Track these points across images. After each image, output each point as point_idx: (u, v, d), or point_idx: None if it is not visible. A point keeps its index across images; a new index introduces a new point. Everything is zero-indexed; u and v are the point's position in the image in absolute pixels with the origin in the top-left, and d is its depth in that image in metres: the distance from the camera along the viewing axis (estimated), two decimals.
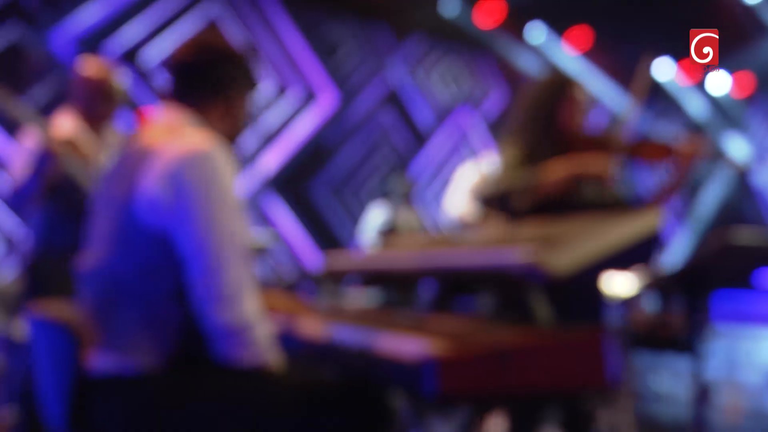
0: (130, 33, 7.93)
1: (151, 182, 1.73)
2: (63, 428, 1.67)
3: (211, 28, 7.20)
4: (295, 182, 9.21)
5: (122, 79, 3.56)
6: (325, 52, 9.58)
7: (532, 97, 2.91)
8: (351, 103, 9.77)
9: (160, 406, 1.67)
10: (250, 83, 2.07)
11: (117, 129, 3.51)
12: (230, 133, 2.01)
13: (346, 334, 1.86)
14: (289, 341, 2.15)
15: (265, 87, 8.96)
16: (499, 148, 2.95)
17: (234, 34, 8.74)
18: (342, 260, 2.50)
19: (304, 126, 9.33)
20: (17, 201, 3.38)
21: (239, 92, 2.01)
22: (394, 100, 10.21)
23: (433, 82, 10.64)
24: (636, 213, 1.74)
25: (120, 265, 1.75)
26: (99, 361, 1.70)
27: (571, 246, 1.63)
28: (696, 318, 2.38)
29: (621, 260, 1.70)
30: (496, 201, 2.72)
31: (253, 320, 1.74)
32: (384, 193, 7.15)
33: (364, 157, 9.87)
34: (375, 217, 6.73)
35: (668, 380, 6.85)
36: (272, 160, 9.00)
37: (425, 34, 10.33)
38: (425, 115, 10.50)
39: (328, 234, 9.20)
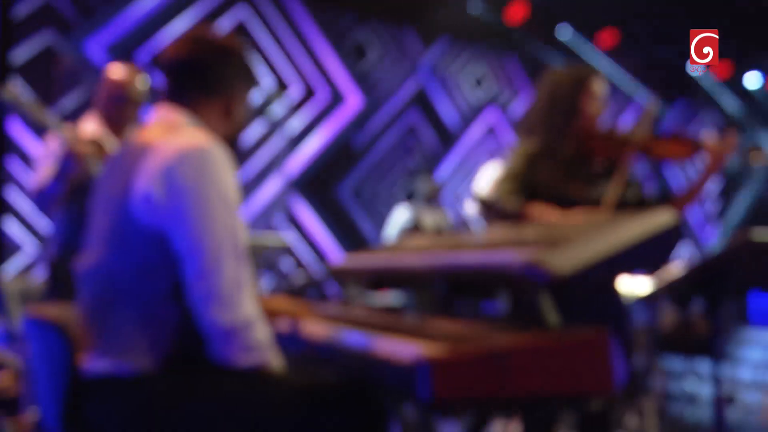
0: (162, 39, 7.97)
1: (146, 180, 1.68)
2: (58, 429, 1.64)
3: (204, 24, 6.57)
4: (322, 184, 9.20)
5: (145, 82, 3.55)
6: (352, 54, 9.56)
7: (551, 89, 2.80)
8: (378, 105, 9.73)
9: (156, 407, 1.62)
10: (248, 80, 2.01)
11: None
12: (230, 133, 1.96)
13: (347, 337, 1.80)
14: (292, 343, 2.11)
15: (293, 89, 8.98)
16: (514, 143, 2.85)
17: (262, 38, 8.77)
18: (348, 261, 2.44)
19: (331, 128, 9.32)
20: (41, 202, 3.40)
21: (237, 89, 1.95)
22: (422, 102, 10.14)
23: (460, 83, 10.56)
24: (648, 213, 1.65)
25: (116, 264, 1.70)
26: (94, 362, 1.67)
27: (574, 246, 1.55)
28: (717, 319, 2.29)
29: (631, 261, 1.62)
30: (486, 208, 2.65)
31: (250, 321, 1.69)
32: (409, 194, 7.10)
33: (391, 159, 9.82)
34: (399, 218, 6.67)
35: (697, 382, 6.71)
36: (299, 162, 9.01)
37: (453, 36, 10.25)
38: (453, 117, 10.42)
39: (355, 235, 9.16)
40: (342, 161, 9.40)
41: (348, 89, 9.48)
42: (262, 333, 1.74)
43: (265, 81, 8.70)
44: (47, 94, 6.57)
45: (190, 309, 1.68)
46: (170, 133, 1.78)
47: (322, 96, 9.25)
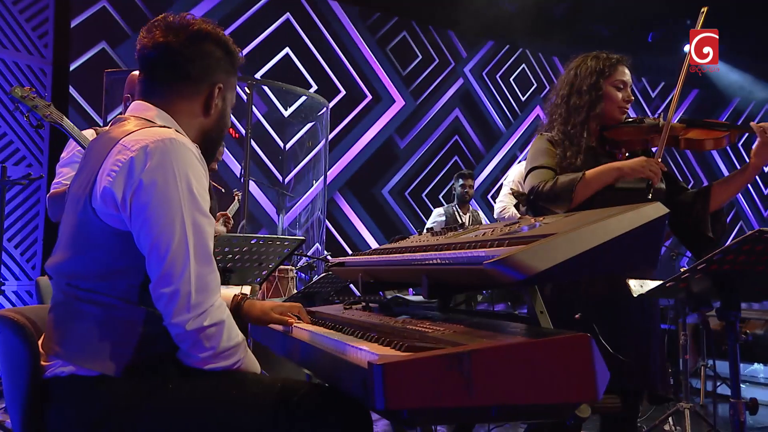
0: None
1: (107, 178, 1.54)
2: (20, 429, 1.54)
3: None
4: (366, 184, 9.14)
5: None
6: (397, 58, 9.45)
7: (573, 76, 2.59)
8: (422, 106, 9.61)
9: (118, 410, 1.50)
10: (227, 69, 1.79)
11: None
12: (210, 128, 1.79)
13: (323, 340, 1.66)
14: (282, 345, 1.98)
15: (338, 93, 8.92)
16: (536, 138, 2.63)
17: (307, 44, 8.72)
18: (350, 260, 2.30)
19: (376, 129, 9.23)
20: (54, 207, 3.32)
21: (214, 79, 1.75)
22: (467, 103, 9.98)
23: (506, 85, 10.36)
24: (631, 208, 1.45)
25: (80, 265, 1.58)
26: (57, 363, 1.55)
27: (550, 242, 1.37)
28: (731, 319, 2.06)
29: (614, 257, 1.43)
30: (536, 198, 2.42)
31: (216, 324, 1.54)
32: (448, 194, 6.96)
33: (435, 159, 9.69)
34: (436, 217, 6.54)
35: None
36: (345, 161, 8.96)
37: (497, 38, 10.05)
38: (497, 117, 10.22)
39: (396, 234, 9.05)
40: (386, 162, 9.32)
41: (392, 92, 9.38)
42: (231, 336, 1.59)
43: (311, 85, 8.65)
44: (100, 103, 6.63)
45: (156, 311, 1.55)
46: (137, 128, 1.61)
47: (367, 99, 9.17)
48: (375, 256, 2.08)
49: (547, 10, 9.54)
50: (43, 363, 1.57)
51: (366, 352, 1.39)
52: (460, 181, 6.54)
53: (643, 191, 2.36)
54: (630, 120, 2.58)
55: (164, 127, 1.65)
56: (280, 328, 1.99)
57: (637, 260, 1.48)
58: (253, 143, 7.85)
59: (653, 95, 11.86)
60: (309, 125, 8.18)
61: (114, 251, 1.56)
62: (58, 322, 1.59)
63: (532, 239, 1.42)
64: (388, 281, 2.08)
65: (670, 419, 4.36)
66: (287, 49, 8.56)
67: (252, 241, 2.77)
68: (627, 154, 2.58)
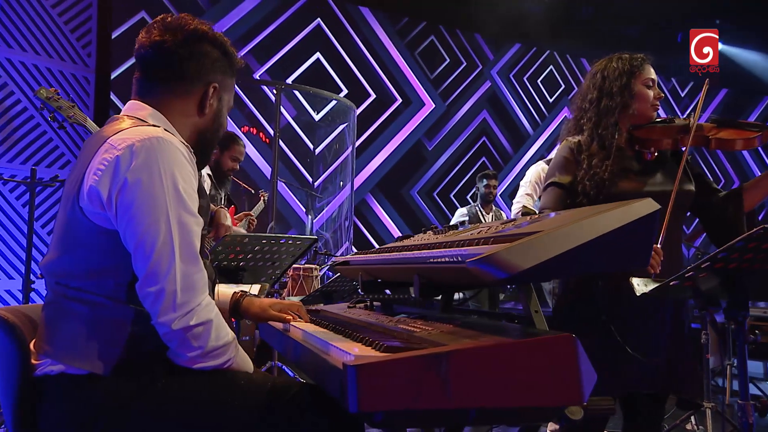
0: (240, 52, 8.00)
1: (94, 176, 1.50)
2: (11, 428, 1.50)
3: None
4: (396, 185, 9.10)
5: None
6: (426, 61, 9.39)
7: (601, 78, 2.47)
8: (450, 109, 9.53)
9: (107, 408, 1.45)
10: (222, 69, 1.73)
11: None
12: (205, 128, 1.74)
13: (314, 340, 1.60)
14: (280, 343, 1.93)
15: (369, 96, 8.88)
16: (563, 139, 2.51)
17: (339, 47, 8.70)
18: (353, 259, 2.23)
19: (405, 132, 9.18)
20: None
21: (209, 79, 1.70)
22: (494, 105, 9.86)
23: (533, 86, 10.21)
24: (620, 205, 1.35)
25: (69, 264, 1.53)
26: (47, 361, 1.51)
27: (535, 240, 1.29)
28: (739, 319, 1.95)
29: (601, 254, 1.34)
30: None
31: (204, 324, 1.48)
32: (473, 195, 6.88)
33: (462, 160, 9.60)
34: (459, 217, 6.46)
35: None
36: (376, 163, 8.93)
37: (523, 40, 9.91)
38: (524, 119, 10.08)
39: None
40: (415, 163, 9.27)
41: (422, 95, 9.32)
42: (220, 336, 1.53)
43: (341, 89, 8.63)
44: None
45: (145, 309, 1.49)
46: (127, 127, 1.56)
47: (396, 102, 9.12)
48: (375, 255, 2.02)
49: (574, 12, 9.37)
50: (34, 361, 1.54)
51: (343, 352, 1.32)
52: (484, 182, 6.45)
53: (662, 195, 2.24)
54: (659, 120, 2.47)
55: (154, 126, 1.60)
56: (280, 326, 1.94)
57: (627, 258, 1.39)
58: (283, 146, 7.85)
59: (682, 95, 11.59)
60: (338, 129, 8.15)
61: (102, 250, 1.52)
62: (49, 321, 1.56)
63: (517, 237, 1.34)
64: (386, 280, 2.01)
65: (692, 419, 4.20)
66: (318, 54, 8.54)
67: (263, 241, 2.73)
68: (656, 154, 2.46)
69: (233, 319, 2.25)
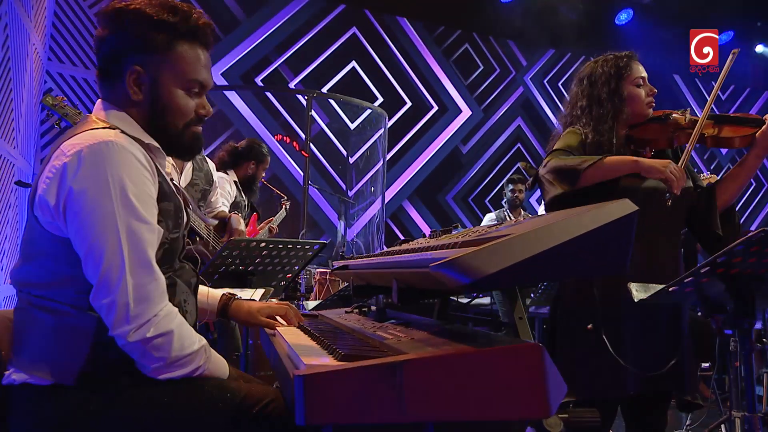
0: (276, 61, 8.02)
1: (42, 185, 1.41)
2: None
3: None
4: (432, 191, 9.01)
5: None
6: (461, 68, 9.28)
7: (590, 81, 2.35)
8: (485, 115, 9.39)
9: (73, 418, 1.37)
10: (147, 44, 1.50)
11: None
12: (167, 124, 1.55)
13: (288, 348, 1.51)
14: (267, 348, 1.86)
15: (405, 104, 8.82)
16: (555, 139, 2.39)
17: (374, 56, 8.66)
18: (351, 263, 2.15)
19: (441, 139, 9.09)
20: None
21: (155, 68, 1.51)
22: (528, 111, 9.69)
23: (567, 92, 10.00)
24: (596, 206, 1.24)
25: (30, 273, 1.46)
26: (13, 370, 1.43)
27: (500, 245, 1.19)
28: (745, 326, 1.81)
29: (577, 258, 1.23)
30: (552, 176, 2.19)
31: (162, 334, 1.38)
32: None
33: (497, 167, 9.45)
34: (487, 222, 6.33)
35: None
36: (413, 170, 8.86)
37: (557, 46, 9.71)
38: (558, 126, 9.87)
39: None
40: (450, 169, 9.16)
41: (458, 102, 9.22)
42: (184, 345, 1.43)
43: (377, 98, 8.58)
44: None
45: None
46: (83, 130, 1.45)
47: (432, 109, 9.04)
48: (366, 259, 1.94)
49: (609, 17, 9.15)
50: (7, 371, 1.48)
51: (299, 361, 1.24)
52: (510, 186, 6.32)
53: (662, 192, 2.11)
54: (654, 117, 2.34)
55: (109, 127, 1.48)
56: (270, 330, 1.87)
57: (603, 262, 1.27)
58: (317, 153, 7.83)
59: (723, 98, 11.20)
60: (373, 138, 8.09)
61: (59, 258, 1.43)
62: (16, 328, 1.49)
63: (486, 241, 1.24)
64: (374, 285, 1.92)
65: (722, 426, 3.99)
66: (353, 63, 8.51)
67: (270, 246, 2.67)
68: (653, 153, 2.33)
69: (243, 324, 2.17)
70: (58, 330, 1.43)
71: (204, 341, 1.51)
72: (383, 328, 1.62)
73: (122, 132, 1.48)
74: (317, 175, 7.82)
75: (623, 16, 9.33)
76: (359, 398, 1.10)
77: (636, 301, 1.81)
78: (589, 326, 2.10)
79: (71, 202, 1.38)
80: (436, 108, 9.06)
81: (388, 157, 8.52)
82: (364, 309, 2.14)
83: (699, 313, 3.34)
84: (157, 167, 1.52)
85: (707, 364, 4.52)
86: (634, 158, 2.13)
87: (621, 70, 2.32)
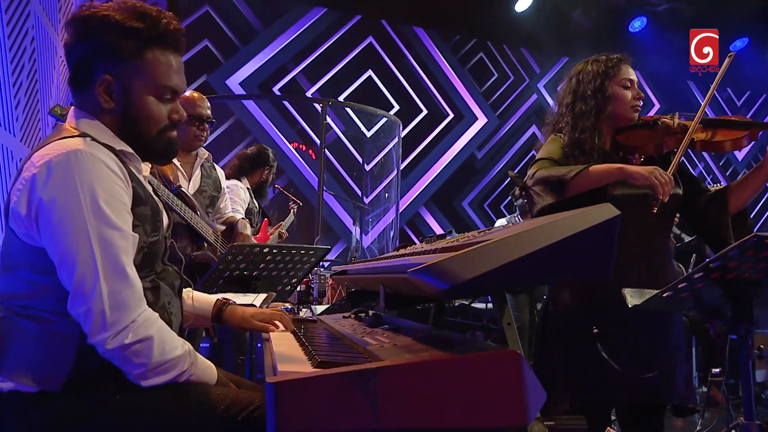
0: (294, 71, 8.04)
1: (13, 197, 1.39)
2: None
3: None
4: (448, 197, 8.96)
5: (205, 106, 3.22)
6: (476, 77, 9.23)
7: (576, 82, 2.28)
8: (500, 123, 9.33)
9: (59, 428, 1.35)
10: (117, 52, 1.45)
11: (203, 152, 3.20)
12: (125, 123, 1.50)
13: (274, 355, 1.48)
14: (260, 354, 1.83)
15: (421, 112, 8.79)
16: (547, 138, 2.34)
17: (391, 64, 8.64)
18: (350, 268, 2.12)
19: (458, 146, 9.05)
20: None
21: (99, 69, 1.45)
22: (542, 118, 9.59)
23: None
24: (578, 211, 1.19)
25: (7, 284, 1.43)
26: (1, 379, 1.40)
27: (479, 250, 1.14)
28: (742, 333, 1.74)
29: (558, 263, 1.18)
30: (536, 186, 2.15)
31: (141, 341, 1.35)
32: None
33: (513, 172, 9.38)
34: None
35: None
36: (429, 176, 8.82)
37: (569, 55, 9.61)
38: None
39: None
40: (466, 175, 9.10)
41: (474, 109, 9.17)
42: (165, 350, 1.39)
43: (392, 106, 8.56)
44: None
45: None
46: (54, 139, 1.43)
47: (448, 117, 9.00)
48: (362, 265, 1.90)
49: (622, 25, 9.04)
50: None
51: (276, 368, 1.20)
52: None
53: (646, 198, 2.04)
54: (642, 122, 2.27)
55: (80, 135, 1.44)
56: (265, 334, 1.83)
57: (586, 266, 1.22)
58: (332, 159, 7.82)
59: (739, 104, 11.01)
60: (389, 146, 8.06)
61: (36, 268, 1.40)
62: (1, 337, 1.46)
63: (467, 246, 1.19)
64: (367, 290, 1.89)
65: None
66: (370, 72, 8.49)
67: (274, 251, 2.64)
68: (642, 159, 2.27)
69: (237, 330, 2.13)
70: (43, 337, 1.40)
71: (188, 346, 1.47)
72: (372, 333, 1.58)
73: (93, 140, 1.44)
74: (333, 182, 7.81)
75: (637, 24, 9.19)
76: (332, 405, 1.06)
77: (630, 306, 1.75)
78: (595, 330, 2.05)
79: (42, 212, 1.35)
80: (451, 115, 9.01)
81: (405, 164, 8.49)
82: (361, 314, 2.10)
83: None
84: (130, 172, 1.48)
85: (718, 369, 4.42)
86: (619, 165, 2.06)
87: (609, 70, 2.26)
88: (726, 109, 10.86)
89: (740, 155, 10.87)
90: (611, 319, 2.07)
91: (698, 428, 4.09)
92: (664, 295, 1.70)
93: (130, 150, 1.52)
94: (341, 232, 7.96)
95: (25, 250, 1.41)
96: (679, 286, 1.66)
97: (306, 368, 1.19)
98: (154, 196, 1.58)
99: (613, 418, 2.54)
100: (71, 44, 1.49)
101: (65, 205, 1.34)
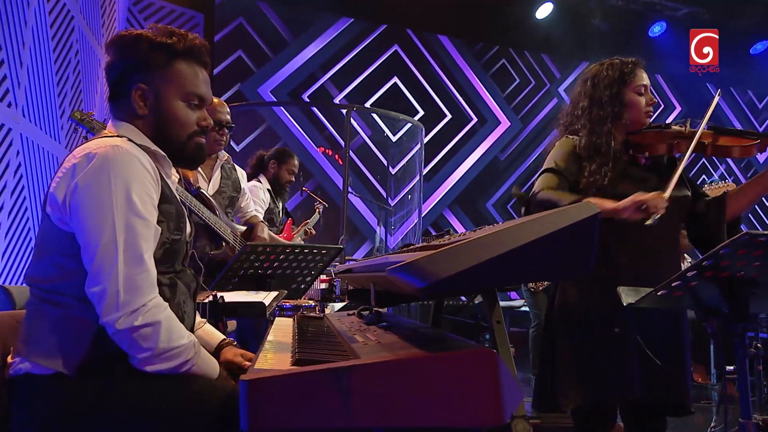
0: (322, 80, 8.04)
1: (53, 184, 1.46)
2: None
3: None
4: (472, 199, 8.86)
5: (225, 112, 3.21)
6: (498, 82, 9.13)
7: (592, 85, 2.23)
8: (522, 126, 9.21)
9: (68, 411, 1.37)
10: (149, 65, 1.56)
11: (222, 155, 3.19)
12: (158, 128, 1.58)
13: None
14: None
15: (446, 116, 8.72)
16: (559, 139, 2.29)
17: (415, 71, 8.59)
18: (355, 266, 2.07)
19: (481, 149, 8.95)
20: None
21: (133, 80, 1.56)
22: None
23: None
24: (557, 210, 1.12)
25: (40, 267, 1.47)
26: (16, 361, 1.44)
27: (457, 248, 1.09)
28: (738, 331, 1.66)
29: (536, 261, 1.12)
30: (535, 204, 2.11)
31: (150, 325, 1.36)
32: None
33: (534, 174, 9.23)
34: None
35: None
36: (453, 179, 8.75)
37: (592, 59, 9.45)
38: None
39: None
40: (490, 178, 9.00)
41: (498, 114, 9.07)
42: (172, 338, 1.40)
43: (417, 111, 8.51)
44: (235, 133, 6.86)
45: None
46: (94, 139, 1.51)
47: (472, 121, 8.92)
48: (362, 263, 1.86)
49: (642, 29, 8.85)
50: (9, 360, 1.48)
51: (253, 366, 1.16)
52: None
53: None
54: (655, 126, 2.21)
55: (119, 136, 1.52)
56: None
57: (565, 265, 1.16)
58: (360, 164, 7.80)
59: (760, 107, 10.70)
60: (413, 151, 8.00)
61: (66, 253, 1.45)
62: (25, 322, 1.50)
63: (448, 245, 1.14)
64: (366, 288, 1.84)
65: None
66: (395, 78, 8.45)
67: (287, 250, 2.61)
68: (649, 158, 2.20)
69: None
70: (62, 321, 1.43)
71: (193, 337, 1.48)
72: (365, 331, 1.54)
73: (129, 140, 1.51)
74: (360, 185, 7.79)
75: (657, 29, 8.99)
76: (305, 403, 1.02)
77: (625, 305, 1.68)
78: (616, 329, 1.99)
79: (75, 195, 1.41)
80: (475, 119, 8.92)
81: (430, 166, 8.44)
82: (364, 312, 2.06)
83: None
84: (160, 174, 1.54)
85: (732, 367, 4.27)
86: (612, 207, 1.97)
87: (625, 76, 2.20)
88: (747, 112, 10.57)
89: (762, 157, 10.55)
90: (626, 318, 2.00)
91: (712, 425, 3.95)
92: (659, 293, 1.63)
93: (161, 152, 1.59)
94: (367, 233, 7.93)
95: (56, 234, 1.45)
96: (673, 284, 1.58)
97: (284, 365, 1.15)
98: (179, 201, 1.63)
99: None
100: (110, 63, 1.60)
101: (97, 191, 1.40)
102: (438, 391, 1.03)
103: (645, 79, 2.22)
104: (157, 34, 1.59)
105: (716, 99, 2.30)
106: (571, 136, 2.25)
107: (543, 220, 1.09)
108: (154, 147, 1.58)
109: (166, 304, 1.44)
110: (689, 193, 2.16)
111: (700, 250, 2.22)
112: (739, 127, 8.84)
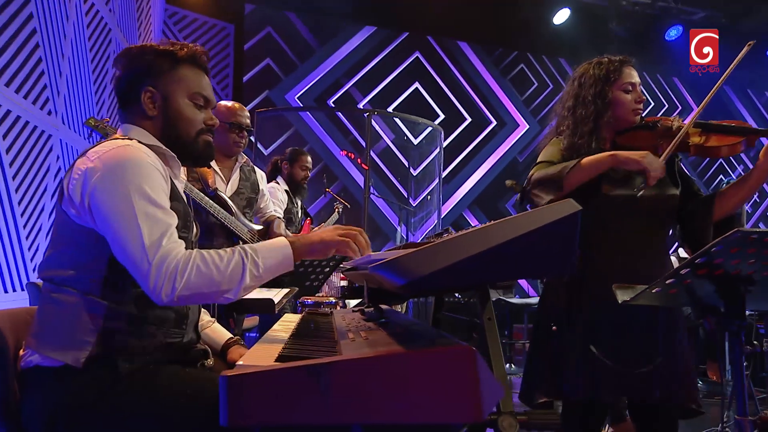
0: (347, 85, 8.03)
1: (70, 185, 1.46)
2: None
3: None
4: (491, 200, 8.77)
5: (245, 116, 3.20)
6: (517, 85, 9.02)
7: (577, 84, 2.14)
8: (542, 128, 9.08)
9: (74, 403, 1.36)
10: (158, 71, 1.60)
11: (243, 158, 3.18)
12: (166, 128, 1.60)
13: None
14: None
15: (465, 120, 8.65)
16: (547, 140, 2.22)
17: (436, 76, 8.53)
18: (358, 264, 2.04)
19: (500, 151, 8.85)
20: None
21: (143, 85, 1.58)
22: None
23: None
24: (540, 208, 1.07)
25: (55, 261, 1.47)
26: (27, 353, 1.44)
27: (438, 246, 1.05)
28: (734, 329, 1.58)
29: (518, 258, 1.08)
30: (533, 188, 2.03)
31: (190, 284, 1.32)
32: None
33: None
34: None
35: None
36: (474, 180, 8.66)
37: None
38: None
39: None
40: (509, 179, 8.88)
41: (517, 117, 8.96)
42: (219, 269, 1.36)
43: (438, 115, 8.45)
44: (263, 137, 6.91)
45: (116, 304, 1.42)
46: (105, 142, 1.52)
47: (491, 124, 8.82)
48: (358, 261, 1.82)
49: (658, 34, 8.66)
50: (21, 353, 1.48)
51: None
52: None
53: (657, 198, 1.89)
54: (642, 124, 2.11)
55: (129, 139, 1.53)
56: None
57: (547, 262, 1.11)
58: (383, 166, 7.77)
59: None
60: (433, 154, 7.95)
61: (79, 246, 1.46)
62: (37, 315, 1.51)
63: (428, 244, 1.10)
64: (361, 285, 1.81)
65: None
66: (417, 84, 8.41)
67: None
68: None
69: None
70: (72, 315, 1.43)
71: (237, 247, 1.44)
72: (360, 327, 1.50)
73: (139, 142, 1.53)
74: (383, 186, 7.76)
75: (673, 33, 8.79)
76: (284, 399, 0.99)
77: (620, 302, 1.61)
78: (554, 327, 1.95)
79: (94, 198, 1.41)
80: (494, 122, 8.83)
81: (451, 168, 8.37)
82: (367, 309, 2.02)
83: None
84: (169, 172, 1.56)
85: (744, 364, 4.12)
86: (611, 153, 1.92)
87: (610, 74, 2.10)
88: (764, 112, 10.28)
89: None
90: (600, 315, 1.94)
91: (724, 419, 3.83)
92: (653, 290, 1.56)
93: (171, 153, 1.60)
94: (390, 232, 7.90)
95: (73, 228, 1.46)
96: (667, 281, 1.51)
97: (268, 361, 1.12)
98: (186, 202, 1.65)
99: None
100: (118, 75, 1.63)
101: (114, 192, 1.40)
102: (416, 387, 0.99)
103: (633, 77, 2.12)
104: (161, 44, 1.64)
105: (745, 50, 2.14)
106: (560, 137, 2.16)
107: (524, 218, 1.05)
108: (163, 147, 1.59)
109: (189, 252, 1.39)
110: (677, 192, 2.06)
111: (690, 249, 2.13)
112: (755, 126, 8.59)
